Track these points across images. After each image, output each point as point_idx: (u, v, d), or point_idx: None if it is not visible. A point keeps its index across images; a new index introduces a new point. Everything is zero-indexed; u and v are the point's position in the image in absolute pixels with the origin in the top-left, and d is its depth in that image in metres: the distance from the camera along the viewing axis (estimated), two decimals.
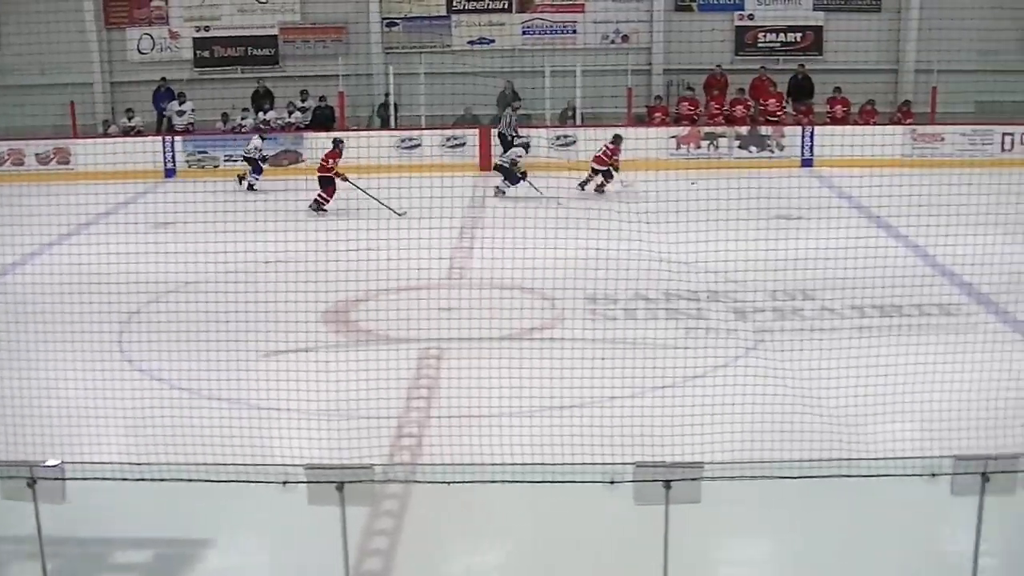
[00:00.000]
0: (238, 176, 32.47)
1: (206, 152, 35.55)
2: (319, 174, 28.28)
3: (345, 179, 27.34)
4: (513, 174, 29.32)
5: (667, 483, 7.86)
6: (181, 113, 36.82)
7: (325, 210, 27.25)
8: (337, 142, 28.69)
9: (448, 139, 34.93)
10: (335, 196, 27.34)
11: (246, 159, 32.63)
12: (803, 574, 11.68)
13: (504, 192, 29.19)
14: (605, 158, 30.09)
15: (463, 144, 34.74)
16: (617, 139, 30.36)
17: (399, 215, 22.72)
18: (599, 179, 29.97)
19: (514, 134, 33.45)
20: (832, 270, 17.59)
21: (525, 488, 9.07)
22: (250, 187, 31.76)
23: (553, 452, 12.89)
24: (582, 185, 29.73)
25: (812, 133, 35.35)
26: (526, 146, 30.88)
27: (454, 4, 37.83)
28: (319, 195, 27.75)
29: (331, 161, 28.16)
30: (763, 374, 14.82)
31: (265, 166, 32.47)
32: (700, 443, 12.90)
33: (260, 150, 32.50)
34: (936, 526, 12.08)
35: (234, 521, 11.89)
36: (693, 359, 16.02)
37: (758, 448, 12.93)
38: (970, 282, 20.52)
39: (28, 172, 34.77)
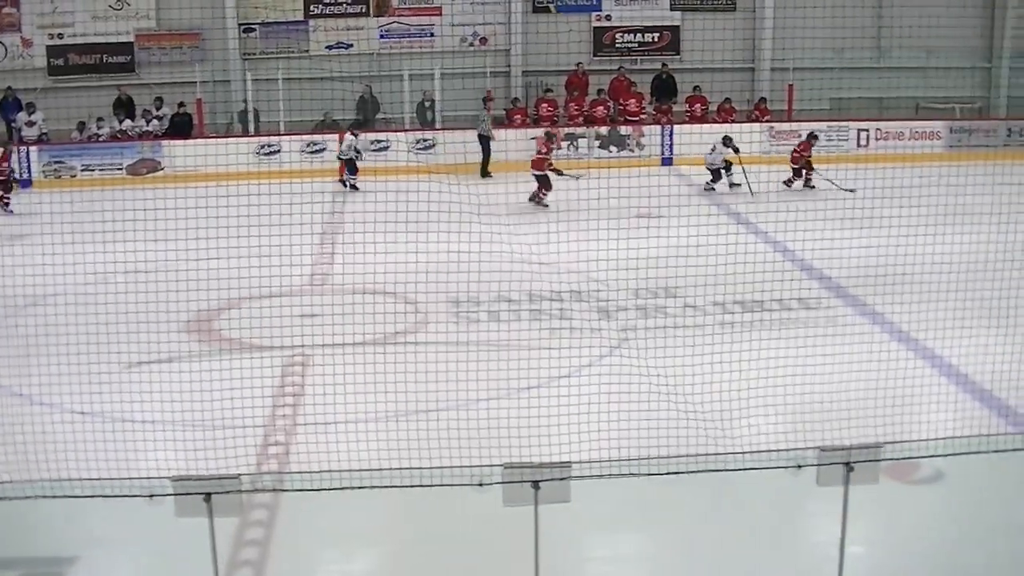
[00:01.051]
0: (340, 180, 32.82)
1: (63, 162, 34.94)
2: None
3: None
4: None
5: (536, 483, 7.88)
6: (31, 124, 36.06)
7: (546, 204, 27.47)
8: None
9: (308, 144, 34.71)
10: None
11: (342, 160, 32.67)
12: (673, 569, 11.79)
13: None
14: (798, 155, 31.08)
15: (323, 149, 34.54)
16: (812, 137, 31.83)
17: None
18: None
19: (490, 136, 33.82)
20: (694, 267, 17.76)
21: (395, 493, 9.06)
22: (353, 187, 31.77)
23: (421, 456, 12.88)
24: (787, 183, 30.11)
25: (671, 132, 35.72)
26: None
27: (311, 9, 37.61)
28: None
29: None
30: (628, 372, 14.92)
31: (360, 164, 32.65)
32: (568, 443, 12.96)
33: (354, 148, 32.56)
34: (803, 517, 12.29)
35: (99, 537, 11.73)
36: (558, 359, 16.07)
37: (625, 446, 13.01)
38: (829, 276, 20.87)
39: None
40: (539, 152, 28.95)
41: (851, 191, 24.82)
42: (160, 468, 11.78)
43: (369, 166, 32.44)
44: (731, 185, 28.79)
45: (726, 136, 30.22)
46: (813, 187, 29.10)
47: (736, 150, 29.79)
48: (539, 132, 34.68)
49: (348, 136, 32.38)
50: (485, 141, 34.19)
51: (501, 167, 28.93)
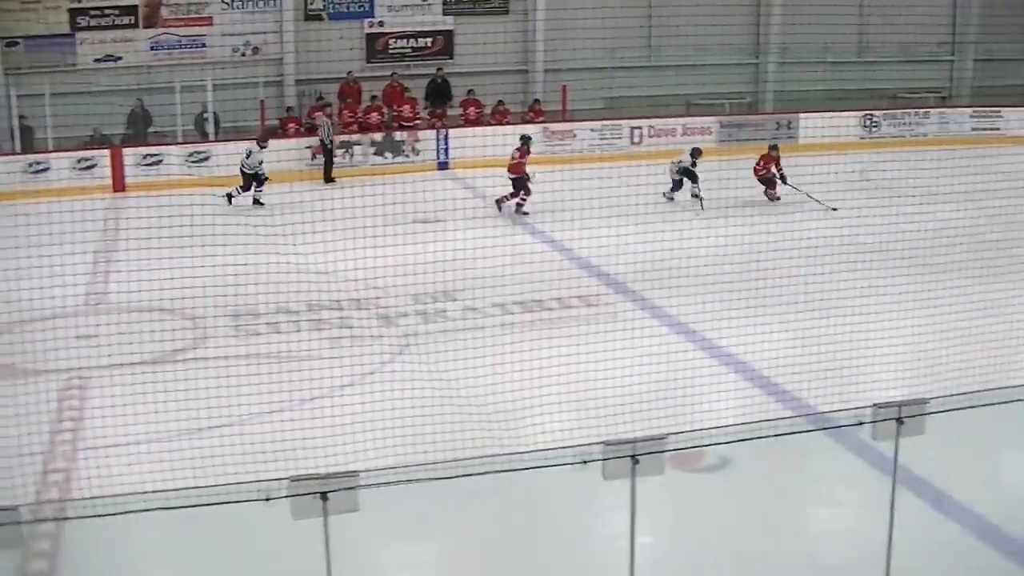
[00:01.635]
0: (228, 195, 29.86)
1: None
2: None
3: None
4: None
5: (323, 495, 7.82)
6: None
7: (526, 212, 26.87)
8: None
9: (79, 161, 33.92)
10: None
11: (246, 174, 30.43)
12: (467, 572, 11.81)
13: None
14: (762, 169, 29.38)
15: (94, 165, 33.79)
16: (774, 148, 30.00)
17: None
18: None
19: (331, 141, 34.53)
20: (472, 270, 17.86)
21: (182, 513, 8.90)
22: (257, 201, 29.25)
23: (207, 473, 12.71)
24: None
25: (447, 136, 35.75)
26: None
27: (77, 21, 36.73)
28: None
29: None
30: (412, 378, 14.93)
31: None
32: (355, 451, 12.92)
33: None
34: (592, 511, 12.40)
35: None
36: (340, 368, 16.00)
37: (412, 452, 13.02)
38: (608, 272, 21.11)
39: None
40: (514, 157, 28.54)
41: (834, 210, 25.34)
42: None
43: (143, 180, 31.95)
44: (692, 196, 26.69)
45: (695, 148, 28.90)
46: (778, 199, 28.11)
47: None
48: (314, 141, 34.54)
49: (253, 147, 31.23)
50: (326, 147, 34.34)
51: (278, 177, 28.68)
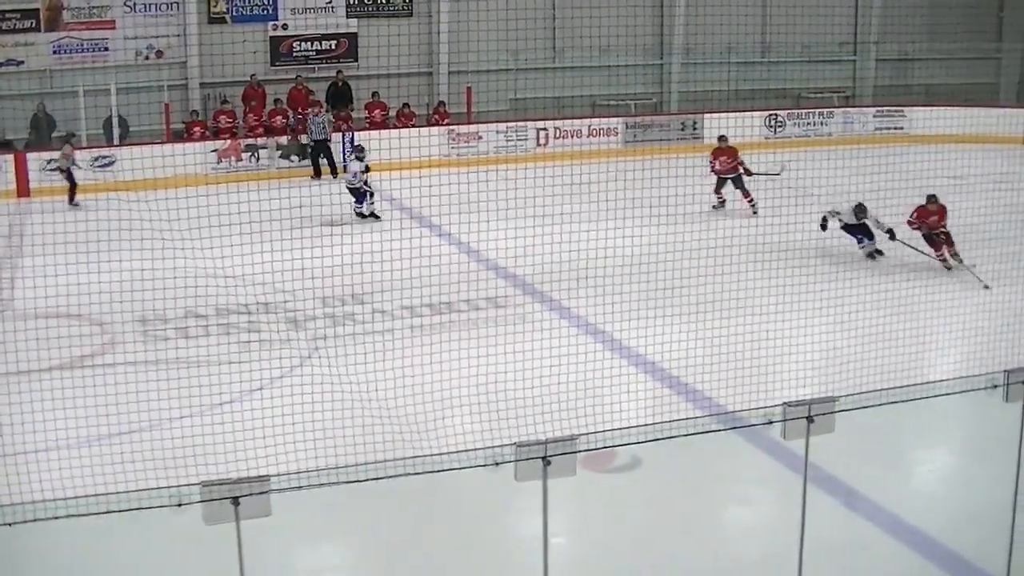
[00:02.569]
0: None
1: None
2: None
3: None
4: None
5: (235, 499, 7.80)
6: None
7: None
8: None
9: None
10: None
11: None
12: (380, 575, 11.80)
13: None
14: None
15: None
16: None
17: None
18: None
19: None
20: (380, 272, 17.80)
21: (91, 521, 8.82)
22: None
23: (118, 480, 12.60)
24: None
25: (352, 139, 35.67)
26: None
27: None
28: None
29: None
30: (322, 381, 14.87)
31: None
32: (266, 456, 12.86)
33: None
34: (505, 513, 12.45)
35: None
36: (250, 372, 15.93)
37: (323, 455, 12.98)
38: (515, 273, 21.17)
39: None
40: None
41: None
42: None
43: (47, 186, 31.64)
44: (869, 255, 23.22)
45: (859, 204, 23.66)
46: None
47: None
48: (220, 144, 34.35)
49: (351, 163, 30.09)
50: (323, 144, 34.99)
51: (183, 181, 28.48)
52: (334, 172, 34.53)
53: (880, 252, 22.94)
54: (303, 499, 9.63)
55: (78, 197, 30.01)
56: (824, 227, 22.63)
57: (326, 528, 11.52)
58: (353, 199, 28.02)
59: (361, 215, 27.86)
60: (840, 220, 22.78)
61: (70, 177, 30.96)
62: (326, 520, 11.77)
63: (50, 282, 16.32)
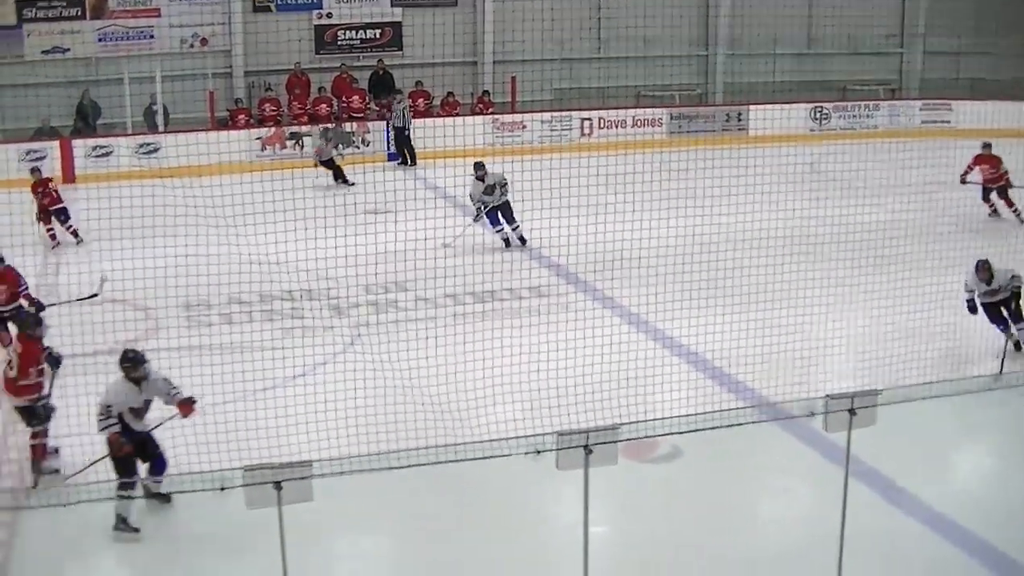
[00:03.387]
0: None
1: None
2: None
3: None
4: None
5: (278, 484, 7.83)
6: None
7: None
8: None
9: (27, 153, 33.65)
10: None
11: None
12: (420, 563, 11.82)
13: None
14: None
15: (43, 157, 33.53)
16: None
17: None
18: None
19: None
20: (424, 260, 17.81)
21: (138, 503, 8.90)
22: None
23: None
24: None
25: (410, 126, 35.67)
26: None
27: (24, 13, 36.39)
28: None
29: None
30: (364, 368, 14.90)
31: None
32: (308, 441, 12.91)
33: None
34: (546, 502, 12.45)
35: None
36: (293, 358, 15.98)
37: (365, 441, 13.02)
38: (559, 262, 21.15)
39: None
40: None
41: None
42: None
43: (93, 172, 31.79)
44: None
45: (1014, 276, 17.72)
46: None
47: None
48: (265, 131, 34.49)
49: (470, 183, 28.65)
50: (401, 132, 34.96)
51: (226, 169, 28.53)
52: (413, 160, 34.55)
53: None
54: (345, 484, 9.68)
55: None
56: (972, 310, 16.94)
57: (367, 514, 11.55)
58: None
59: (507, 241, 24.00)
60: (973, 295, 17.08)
61: (331, 164, 31.36)
62: (367, 506, 11.80)
63: (95, 268, 16.41)
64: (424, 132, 33.15)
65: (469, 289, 19.54)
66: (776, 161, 23.55)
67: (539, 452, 8.57)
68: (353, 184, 28.80)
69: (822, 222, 21.37)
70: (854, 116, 39.53)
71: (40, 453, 13.69)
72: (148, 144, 33.71)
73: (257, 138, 34.91)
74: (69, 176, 32.83)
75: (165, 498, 12.13)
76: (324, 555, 11.55)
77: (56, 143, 33.55)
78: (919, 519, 12.25)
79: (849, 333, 16.78)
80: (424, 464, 11.07)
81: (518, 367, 15.04)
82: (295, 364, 15.85)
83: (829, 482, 11.54)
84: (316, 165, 31.10)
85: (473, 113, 37.48)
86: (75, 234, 25.14)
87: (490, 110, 37.74)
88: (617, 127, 37.56)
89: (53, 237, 25.34)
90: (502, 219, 23.65)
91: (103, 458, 11.75)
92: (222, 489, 7.95)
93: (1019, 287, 16.61)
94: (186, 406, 12.36)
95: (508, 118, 37.25)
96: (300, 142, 35.38)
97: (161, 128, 34.97)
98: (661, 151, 24.63)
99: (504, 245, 23.57)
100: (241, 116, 36.35)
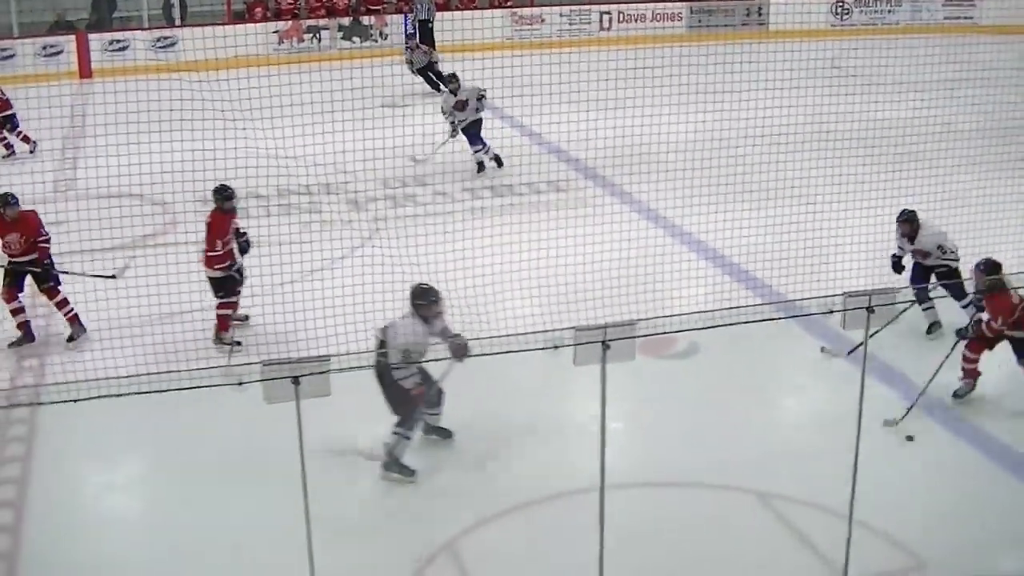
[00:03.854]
0: None
1: None
2: None
3: None
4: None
5: (295, 379, 7.84)
6: None
7: None
8: None
9: (44, 47, 33.54)
10: None
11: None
12: (438, 456, 11.87)
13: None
14: None
15: (60, 52, 33.44)
16: None
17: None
18: None
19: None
20: (442, 155, 17.75)
21: (154, 398, 8.92)
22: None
23: (179, 358, 12.75)
24: None
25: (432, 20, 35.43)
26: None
27: None
28: None
29: None
30: (383, 262, 14.89)
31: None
32: (327, 336, 12.94)
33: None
34: (563, 397, 12.48)
35: None
36: (311, 253, 15.97)
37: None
38: (577, 158, 21.08)
39: None
40: None
41: None
42: None
43: (109, 66, 31.68)
44: None
45: None
46: None
47: None
48: (282, 25, 34.29)
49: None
50: (424, 25, 34.37)
51: (243, 63, 28.37)
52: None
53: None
54: (363, 379, 9.70)
55: None
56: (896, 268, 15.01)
57: (384, 407, 11.56)
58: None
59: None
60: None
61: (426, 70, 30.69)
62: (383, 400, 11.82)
63: (112, 162, 16.37)
64: (442, 25, 32.87)
65: (487, 183, 19.51)
66: (796, 56, 23.35)
67: (557, 347, 8.55)
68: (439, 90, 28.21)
69: (842, 119, 21.18)
70: (876, 11, 39.12)
71: (225, 325, 14.17)
72: (165, 38, 33.57)
73: (274, 31, 34.72)
74: (85, 70, 32.76)
75: (446, 432, 12.10)
76: (342, 450, 11.61)
77: (72, 37, 33.41)
78: (936, 419, 12.27)
79: (869, 231, 16.69)
80: (441, 359, 11.12)
81: (536, 262, 15.03)
82: (313, 259, 15.84)
83: (846, 381, 11.56)
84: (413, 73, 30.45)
85: (491, 7, 37.19)
86: (26, 140, 23.94)
87: (508, 3, 37.44)
88: (636, 21, 37.28)
89: (8, 147, 24.13)
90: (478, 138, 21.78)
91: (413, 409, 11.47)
92: (240, 384, 7.95)
93: (951, 263, 14.45)
94: (461, 351, 11.37)
95: (527, 11, 36.96)
96: (317, 35, 35.19)
97: (178, 22, 34.80)
98: (680, 46, 24.42)
99: (477, 168, 21.53)
100: (258, 9, 36.12)
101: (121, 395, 8.76)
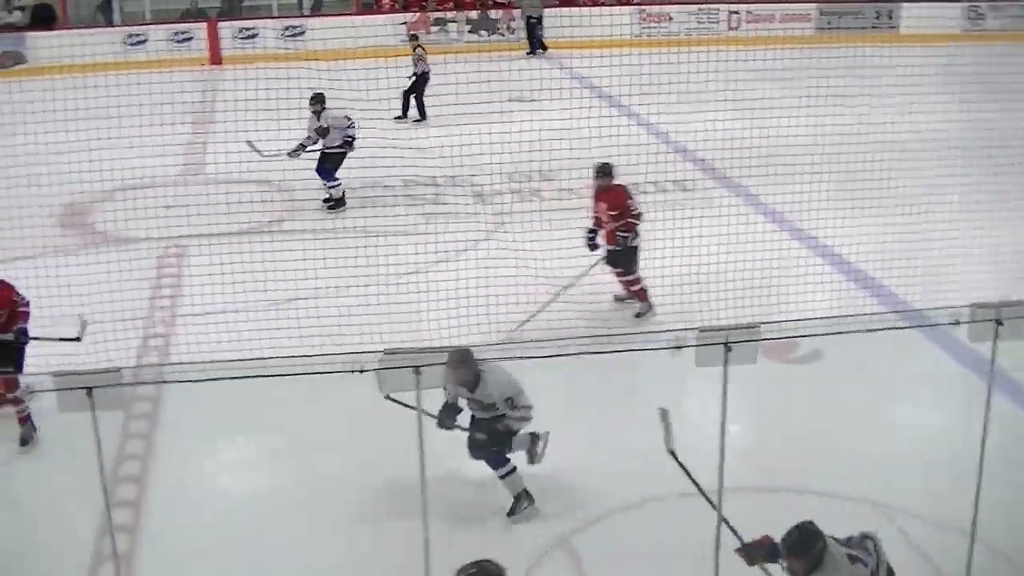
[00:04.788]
0: None
1: None
2: None
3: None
4: None
5: (416, 369, 7.85)
6: None
7: None
8: None
9: (175, 34, 34.03)
10: None
11: None
12: (556, 449, 11.85)
13: None
14: None
15: (191, 38, 33.91)
16: None
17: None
18: None
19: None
20: (568, 151, 17.69)
21: (275, 382, 8.99)
22: None
23: (302, 343, 12.85)
24: None
25: (541, 16, 35.45)
26: None
27: None
28: None
29: None
30: (505, 256, 14.91)
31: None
32: (448, 327, 12.99)
33: None
34: (683, 397, 12.38)
35: None
36: (435, 244, 16.02)
37: (503, 330, 13.07)
38: (704, 158, 20.96)
39: None
40: None
41: None
42: (39, 364, 11.56)
43: (239, 54, 32.05)
44: None
45: None
46: None
47: None
48: (410, 16, 34.44)
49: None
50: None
51: (371, 53, 28.54)
52: (543, 47, 34.38)
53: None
54: None
55: None
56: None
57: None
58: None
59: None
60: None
61: None
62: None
63: (240, 148, 16.56)
64: (571, 21, 32.81)
65: None
66: (927, 61, 23.05)
67: (679, 348, 8.49)
68: None
69: (973, 126, 20.91)
70: (1010, 16, 38.44)
71: (643, 295, 14.71)
72: (293, 27, 33.88)
73: (402, 23, 34.87)
74: (216, 57, 33.17)
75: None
76: (460, 440, 11.64)
77: (204, 25, 33.85)
78: None
79: (999, 242, 16.44)
80: (562, 355, 11.08)
81: (660, 261, 14.96)
82: (436, 250, 15.89)
83: (971, 393, 11.37)
84: None
85: (619, 3, 37.09)
86: None
87: (636, 1, 37.33)
88: (765, 21, 37.00)
89: None
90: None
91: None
92: (361, 372, 7.98)
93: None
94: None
95: (654, 9, 36.82)
96: (445, 28, 35.31)
97: (306, 11, 35.11)
98: (809, 47, 24.19)
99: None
100: (386, 1, 36.33)
101: (243, 377, 8.81)
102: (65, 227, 18.23)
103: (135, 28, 34.02)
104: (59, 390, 7.27)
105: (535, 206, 18.92)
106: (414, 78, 25.39)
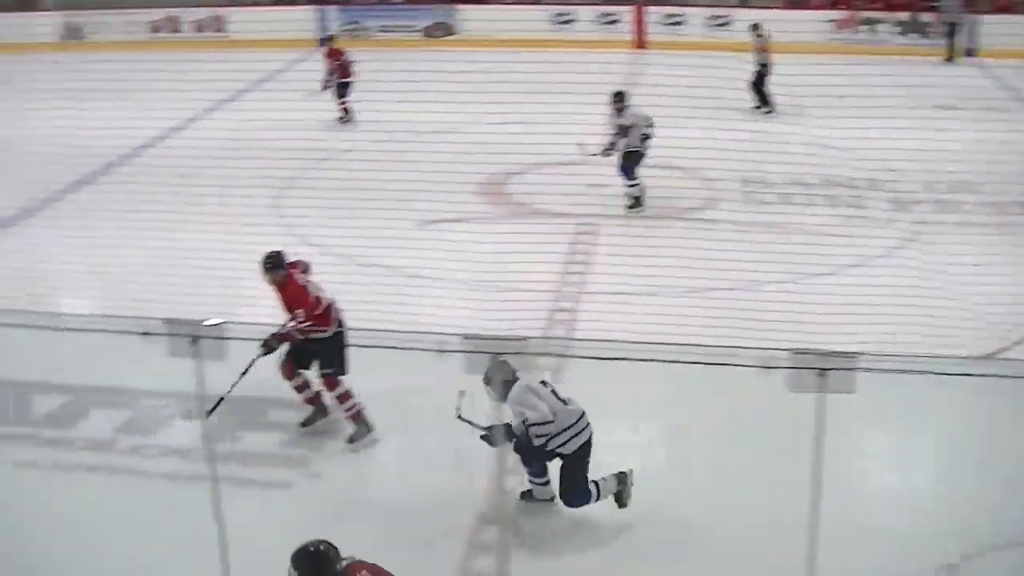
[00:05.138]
0: None
1: (358, 23, 35.33)
2: None
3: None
4: None
5: (822, 371, 7.75)
6: None
7: None
8: None
9: (602, 15, 34.52)
10: None
11: None
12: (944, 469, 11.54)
13: None
14: None
15: (617, 21, 34.33)
16: None
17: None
18: None
19: None
20: (997, 164, 17.16)
21: (675, 368, 9.01)
22: None
23: (706, 333, 12.85)
24: None
25: (960, 23, 34.28)
26: None
27: None
28: None
29: None
30: (920, 267, 14.57)
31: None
32: (855, 332, 12.77)
33: None
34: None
35: (401, 387, 12.09)
36: (851, 247, 15.77)
37: (914, 342, 12.74)
38: None
39: (185, 39, 34.97)
40: None
41: None
42: (448, 325, 11.88)
43: (664, 39, 32.28)
44: None
45: None
46: None
47: None
48: (838, 14, 33.95)
49: None
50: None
51: (797, 48, 28.35)
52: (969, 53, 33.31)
53: None
54: (884, 383, 9.42)
55: None
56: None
57: (907, 415, 11.28)
58: None
59: None
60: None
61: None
62: (908, 407, 11.51)
63: (663, 134, 16.67)
64: (1007, 28, 31.51)
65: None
66: None
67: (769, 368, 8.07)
68: None
69: None
70: None
71: None
72: (720, 16, 33.87)
73: (831, 20, 34.41)
74: (640, 41, 33.45)
75: None
76: (859, 452, 11.44)
77: (632, 8, 34.16)
78: None
79: None
80: (973, 375, 10.69)
81: None
82: (852, 253, 15.64)
83: None
84: None
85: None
86: (346, 110, 23.76)
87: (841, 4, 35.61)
88: None
89: (346, 111, 23.84)
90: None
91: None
92: (765, 368, 7.94)
93: None
94: None
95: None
96: (874, 28, 34.69)
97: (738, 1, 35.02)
98: None
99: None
100: None
101: (644, 359, 8.83)
102: (484, 195, 18.69)
103: (564, 7, 34.60)
104: (467, 352, 7.51)
105: (957, 218, 18.24)
106: (759, 68, 24.67)
